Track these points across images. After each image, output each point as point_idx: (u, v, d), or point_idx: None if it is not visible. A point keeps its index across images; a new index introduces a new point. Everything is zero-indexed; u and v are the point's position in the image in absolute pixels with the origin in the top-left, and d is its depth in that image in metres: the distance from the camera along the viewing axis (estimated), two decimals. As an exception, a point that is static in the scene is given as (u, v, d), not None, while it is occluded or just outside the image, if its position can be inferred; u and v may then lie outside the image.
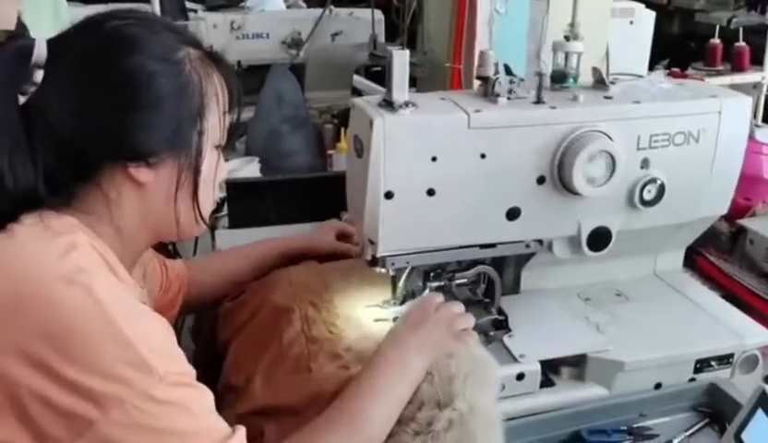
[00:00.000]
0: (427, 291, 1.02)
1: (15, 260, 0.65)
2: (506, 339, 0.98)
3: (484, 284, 1.07)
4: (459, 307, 0.90)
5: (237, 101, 0.80)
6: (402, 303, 1.00)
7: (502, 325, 1.02)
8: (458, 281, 1.03)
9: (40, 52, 0.68)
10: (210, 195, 0.79)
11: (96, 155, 0.70)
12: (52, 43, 0.70)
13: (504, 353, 0.96)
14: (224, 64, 0.79)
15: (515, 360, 0.94)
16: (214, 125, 0.76)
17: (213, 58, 0.77)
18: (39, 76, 0.69)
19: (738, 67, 2.64)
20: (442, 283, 1.02)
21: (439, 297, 0.91)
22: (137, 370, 0.61)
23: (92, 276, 0.64)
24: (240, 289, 1.07)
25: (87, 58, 0.70)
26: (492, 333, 1.00)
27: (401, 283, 1.00)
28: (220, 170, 0.80)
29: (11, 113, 0.68)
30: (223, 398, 0.90)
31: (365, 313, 0.99)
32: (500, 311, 1.04)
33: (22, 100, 0.69)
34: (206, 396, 0.68)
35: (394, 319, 0.98)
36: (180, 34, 0.75)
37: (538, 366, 0.94)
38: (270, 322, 0.96)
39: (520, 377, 0.93)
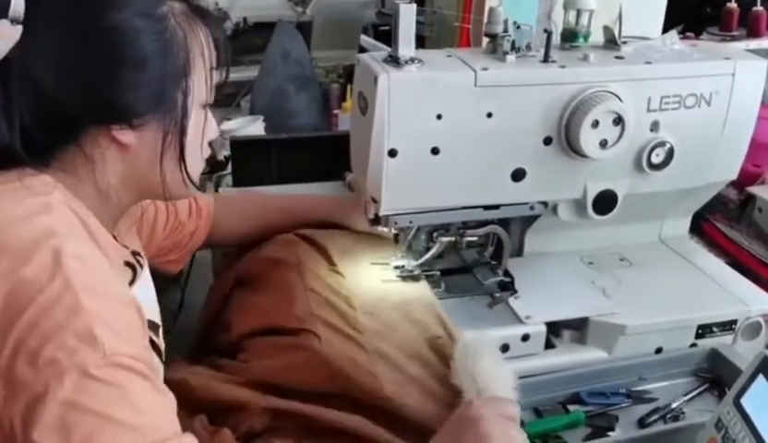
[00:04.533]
0: (437, 245, 1.01)
1: None
2: (512, 300, 0.98)
3: (492, 246, 1.06)
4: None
5: (225, 58, 0.76)
6: (408, 259, 1.00)
7: (508, 286, 1.02)
8: (468, 239, 1.03)
9: (17, 6, 0.65)
10: (199, 156, 0.76)
11: (78, 116, 0.67)
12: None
13: (510, 314, 0.96)
14: (210, 18, 0.75)
15: (520, 321, 0.94)
16: (200, 84, 0.73)
17: (198, 12, 0.73)
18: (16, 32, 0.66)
19: (754, 33, 2.56)
20: (453, 239, 1.02)
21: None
22: (82, 341, 0.56)
23: (64, 239, 0.61)
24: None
25: (68, 13, 0.67)
26: (498, 295, 1.00)
27: (407, 240, 1.00)
28: (208, 129, 0.76)
29: None
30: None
31: (371, 271, 0.99)
32: (507, 273, 1.04)
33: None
34: (159, 394, 0.61)
35: (401, 278, 0.98)
36: None
37: (544, 328, 0.94)
38: (270, 275, 0.96)
39: (525, 338, 0.93)
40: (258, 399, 0.80)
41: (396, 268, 0.99)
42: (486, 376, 0.77)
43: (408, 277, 0.98)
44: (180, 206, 1.00)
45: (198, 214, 1.02)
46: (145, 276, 0.79)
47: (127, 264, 0.75)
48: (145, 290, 0.78)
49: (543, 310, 0.96)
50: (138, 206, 0.86)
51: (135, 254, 0.79)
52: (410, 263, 1.00)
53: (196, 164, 0.76)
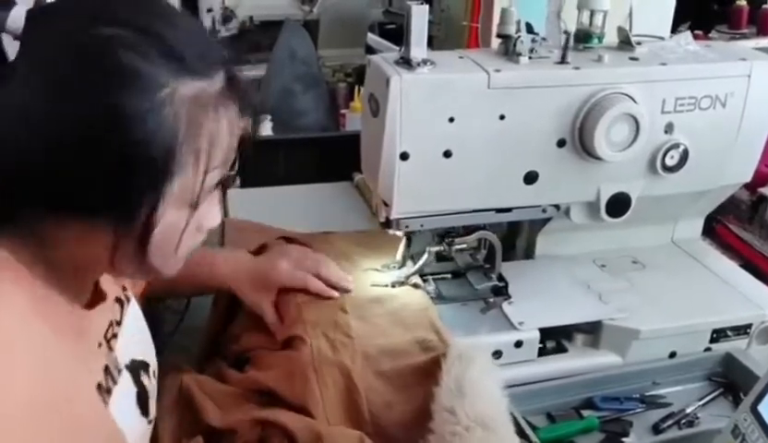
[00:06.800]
0: (426, 255, 0.98)
1: None
2: (505, 306, 0.96)
3: (484, 250, 1.05)
4: None
5: (251, 137, 0.62)
6: (402, 267, 0.98)
7: (502, 291, 1.00)
8: (457, 247, 1.00)
9: (16, 20, 0.59)
10: (171, 253, 0.60)
11: (17, 194, 0.54)
12: (31, 19, 0.55)
13: (503, 320, 0.94)
14: (245, 95, 0.60)
15: (514, 328, 0.92)
16: (186, 184, 0.57)
17: (234, 89, 0.58)
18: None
19: (763, 31, 2.55)
20: (442, 248, 1.00)
21: None
22: None
23: (13, 344, 0.51)
24: None
25: (52, 67, 0.52)
26: (491, 300, 0.98)
27: (400, 248, 0.98)
28: (205, 220, 0.62)
29: None
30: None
31: (368, 276, 0.96)
32: (501, 277, 1.02)
33: None
34: None
35: (393, 285, 0.95)
36: (181, 61, 0.54)
37: (537, 334, 0.92)
38: None
39: (518, 344, 0.92)
40: (251, 411, 0.77)
41: (393, 285, 0.95)
42: (474, 389, 0.74)
43: (405, 285, 0.96)
44: None
45: None
46: (133, 311, 0.72)
47: (117, 300, 0.69)
48: (134, 326, 0.71)
49: (536, 316, 0.94)
50: None
51: (123, 288, 0.72)
52: (401, 273, 0.96)
53: (169, 260, 0.61)
